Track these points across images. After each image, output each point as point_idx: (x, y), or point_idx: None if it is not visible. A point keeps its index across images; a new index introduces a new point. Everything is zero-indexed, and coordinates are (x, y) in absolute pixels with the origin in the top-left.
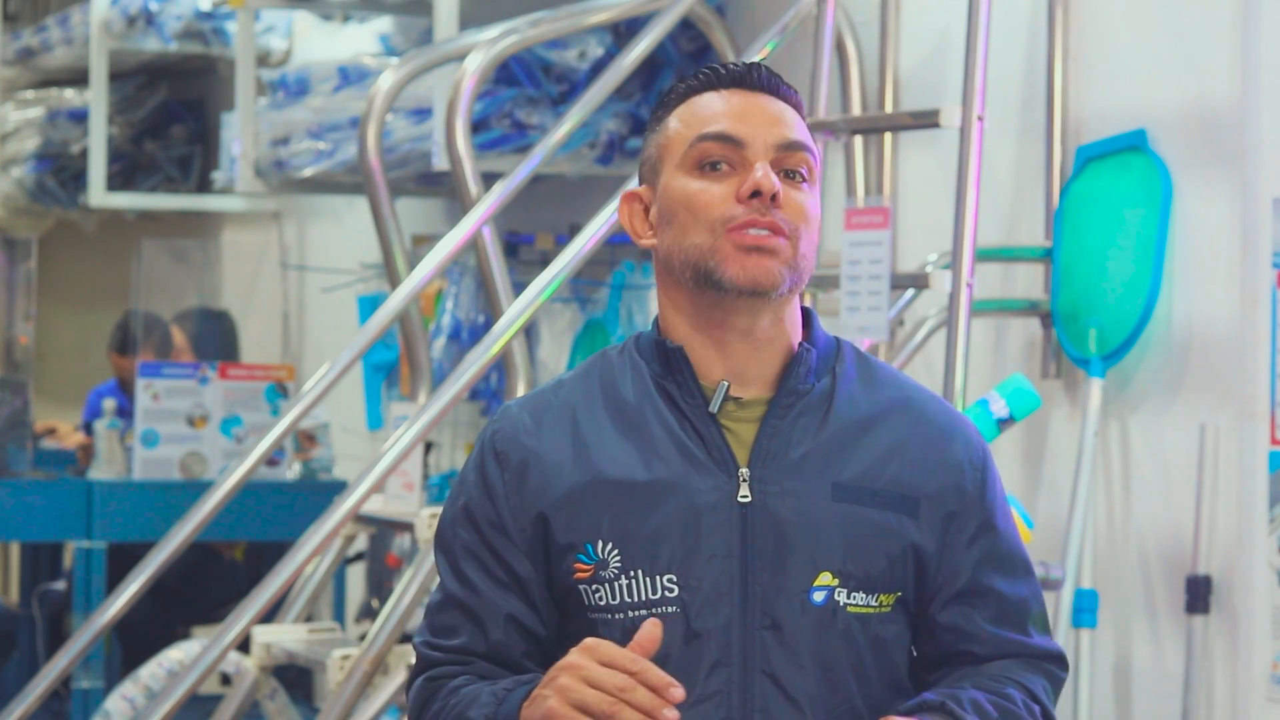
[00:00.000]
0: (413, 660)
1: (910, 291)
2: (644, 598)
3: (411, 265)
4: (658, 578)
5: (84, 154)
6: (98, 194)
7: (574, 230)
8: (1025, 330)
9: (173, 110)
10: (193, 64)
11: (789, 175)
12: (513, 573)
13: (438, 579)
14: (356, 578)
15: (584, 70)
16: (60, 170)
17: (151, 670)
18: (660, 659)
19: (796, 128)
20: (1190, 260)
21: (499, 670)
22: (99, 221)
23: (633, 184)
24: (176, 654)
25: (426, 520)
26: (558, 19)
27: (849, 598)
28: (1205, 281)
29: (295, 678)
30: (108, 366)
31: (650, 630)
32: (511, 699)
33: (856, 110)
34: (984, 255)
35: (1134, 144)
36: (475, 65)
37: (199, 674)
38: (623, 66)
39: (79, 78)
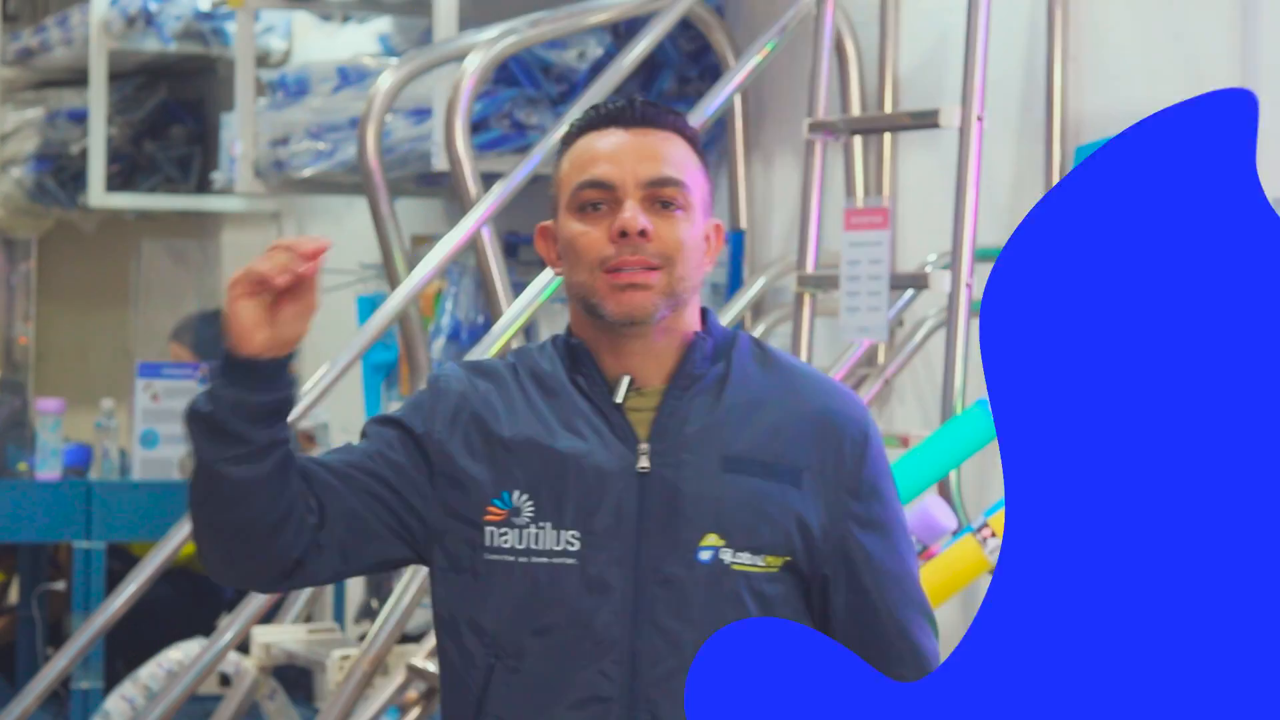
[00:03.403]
0: (414, 661)
1: (910, 292)
2: (548, 547)
3: (411, 265)
4: (563, 532)
5: (83, 154)
6: (97, 194)
7: None
8: None
9: (172, 110)
10: (192, 64)
11: (664, 205)
12: (392, 463)
13: None
14: (356, 578)
15: (583, 70)
16: (60, 170)
17: (151, 670)
18: (556, 606)
19: (668, 161)
20: None
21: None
22: (98, 222)
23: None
24: (176, 654)
25: None
26: (557, 19)
27: (735, 556)
28: None
29: (295, 678)
30: (107, 367)
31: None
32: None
33: (856, 110)
34: (983, 255)
35: None
36: (475, 65)
37: (198, 674)
38: (622, 67)
39: (78, 78)
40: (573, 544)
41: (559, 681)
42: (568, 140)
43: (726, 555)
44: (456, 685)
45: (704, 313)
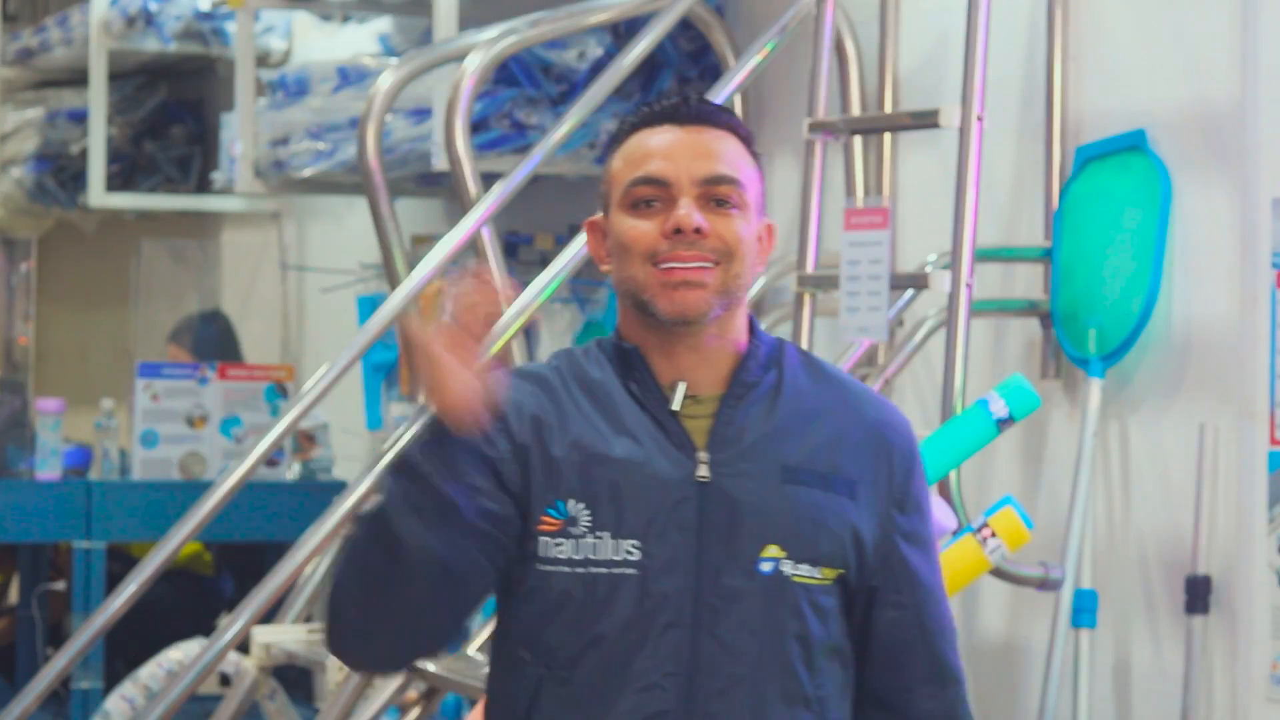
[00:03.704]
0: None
1: (910, 292)
2: (606, 557)
3: (411, 265)
4: (621, 541)
5: (83, 154)
6: (97, 194)
7: (573, 230)
8: (1025, 330)
9: (172, 110)
10: (192, 64)
11: (718, 203)
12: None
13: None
14: None
15: (583, 70)
16: (60, 170)
17: (151, 670)
18: (615, 617)
19: (723, 159)
20: (1190, 260)
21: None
22: (98, 222)
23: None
24: (176, 654)
25: None
26: (557, 19)
27: (795, 568)
28: (1204, 281)
29: (295, 678)
30: (107, 367)
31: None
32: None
33: (856, 110)
34: (983, 255)
35: (1133, 144)
36: (475, 65)
37: (198, 674)
38: (622, 67)
39: (78, 78)
40: (632, 553)
41: (612, 693)
42: (619, 137)
43: (787, 567)
44: (502, 697)
45: (750, 319)
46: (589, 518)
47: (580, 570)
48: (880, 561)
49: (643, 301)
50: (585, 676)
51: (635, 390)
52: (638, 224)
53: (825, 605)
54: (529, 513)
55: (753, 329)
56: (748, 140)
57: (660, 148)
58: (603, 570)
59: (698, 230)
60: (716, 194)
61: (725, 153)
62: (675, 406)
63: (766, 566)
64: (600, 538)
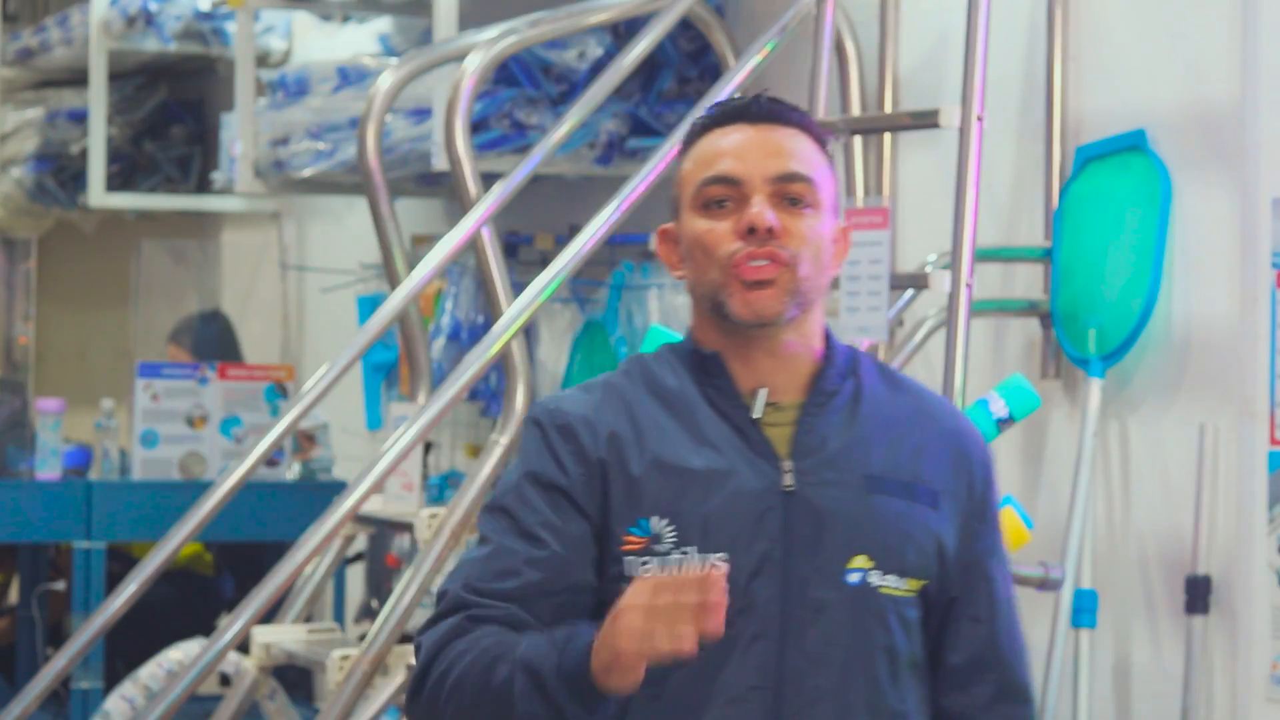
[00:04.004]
0: (413, 660)
1: (910, 292)
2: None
3: (411, 265)
4: (709, 556)
5: (83, 154)
6: (97, 194)
7: (573, 230)
8: (1025, 330)
9: (172, 110)
10: (192, 64)
11: (792, 202)
12: (576, 531)
13: (474, 543)
14: (356, 578)
15: (583, 70)
16: (60, 170)
17: (151, 670)
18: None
19: (796, 157)
20: (1190, 260)
21: (534, 621)
22: (98, 222)
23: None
24: (176, 654)
25: (426, 521)
26: (557, 19)
27: (882, 579)
28: (1205, 281)
29: (295, 678)
30: (107, 367)
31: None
32: (575, 644)
33: (856, 110)
34: (983, 255)
35: (1133, 144)
36: (475, 65)
37: (198, 674)
38: (622, 67)
39: (78, 78)
40: (719, 567)
41: (699, 707)
42: (690, 139)
43: (874, 578)
44: None
45: (824, 328)
46: (673, 534)
47: None
48: (960, 574)
49: (718, 304)
50: (673, 692)
51: (715, 398)
52: (711, 225)
53: (910, 617)
54: (608, 533)
55: (828, 336)
56: (821, 140)
57: (731, 147)
58: None
59: (770, 229)
60: (789, 192)
61: (798, 150)
62: (757, 414)
63: (854, 577)
64: (686, 553)
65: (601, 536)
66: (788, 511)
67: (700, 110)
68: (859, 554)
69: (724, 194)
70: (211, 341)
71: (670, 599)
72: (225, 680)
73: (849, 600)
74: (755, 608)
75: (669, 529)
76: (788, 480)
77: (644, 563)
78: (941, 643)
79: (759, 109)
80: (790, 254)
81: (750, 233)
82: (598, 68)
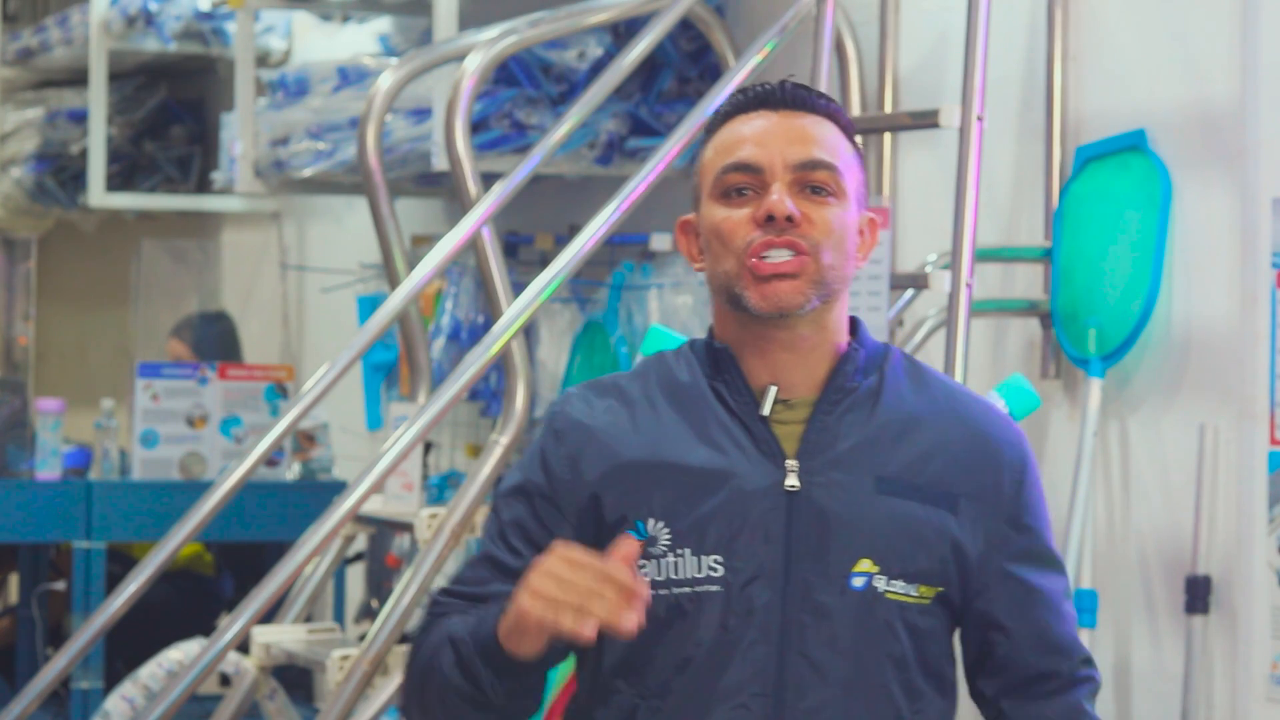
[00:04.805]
0: None
1: (910, 291)
2: (689, 575)
3: (411, 265)
4: (704, 558)
5: (83, 154)
6: (97, 194)
7: (573, 230)
8: (1025, 330)
9: (172, 110)
10: (192, 64)
11: (814, 190)
12: (553, 540)
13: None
14: (356, 578)
15: (583, 70)
16: (60, 170)
17: (151, 670)
18: (700, 635)
19: (819, 144)
20: (1190, 260)
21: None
22: (98, 222)
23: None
24: (176, 654)
25: (426, 520)
26: (557, 19)
27: (889, 584)
28: (1205, 281)
29: (295, 678)
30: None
31: (627, 546)
32: (489, 612)
33: (856, 110)
34: (983, 255)
35: (1133, 144)
36: (475, 65)
37: (198, 674)
38: (622, 66)
39: (78, 78)
40: (715, 569)
41: (704, 713)
42: (712, 127)
43: (880, 583)
44: None
45: (854, 322)
46: (669, 536)
47: (664, 592)
48: (990, 581)
49: (735, 295)
50: (676, 701)
51: (725, 393)
52: (730, 213)
53: (923, 626)
54: (607, 536)
55: (857, 331)
56: (848, 127)
57: (753, 134)
58: (686, 590)
59: (789, 218)
60: (812, 180)
61: (822, 137)
62: (765, 411)
63: (859, 582)
64: (681, 555)
65: (597, 539)
66: (791, 512)
67: (704, 109)
68: (864, 557)
69: (744, 181)
70: (214, 341)
71: (590, 580)
72: (225, 680)
73: (853, 605)
74: (754, 612)
75: (664, 531)
76: (791, 480)
77: (641, 566)
78: (979, 653)
79: (783, 95)
80: (811, 243)
81: (769, 221)
82: (598, 68)
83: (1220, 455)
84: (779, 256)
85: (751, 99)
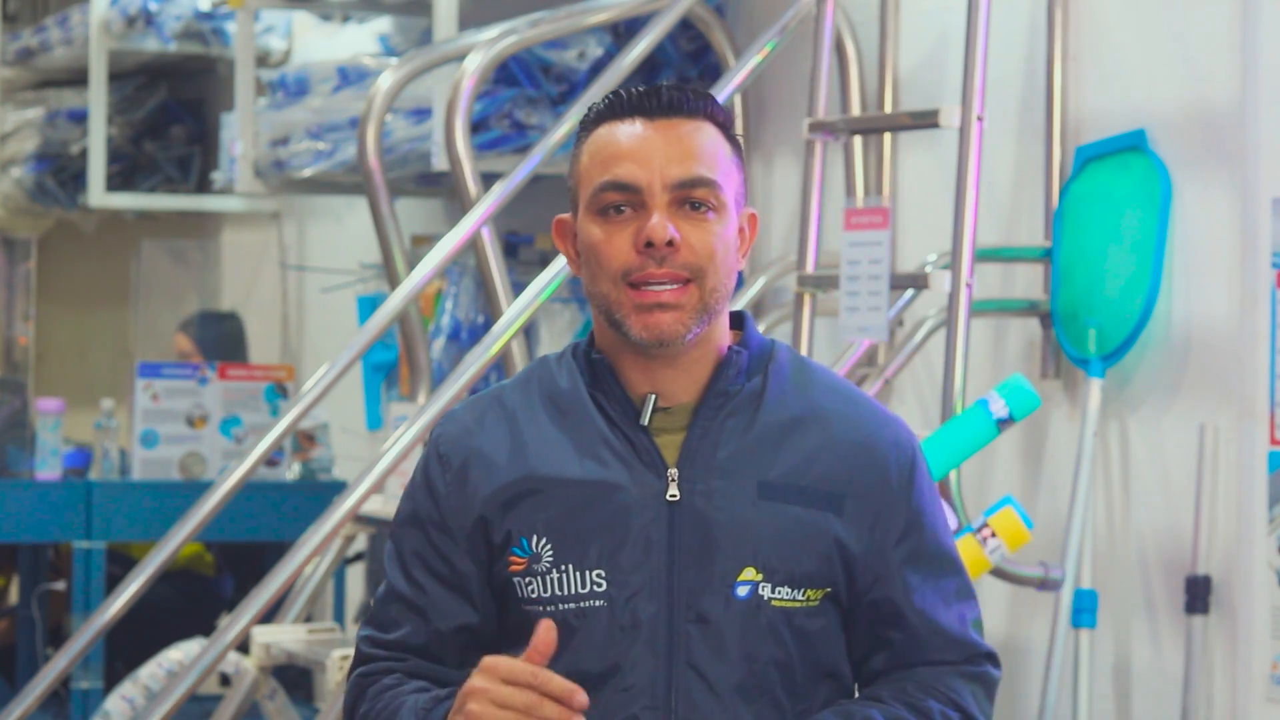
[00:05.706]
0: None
1: (910, 292)
2: (573, 591)
3: (411, 265)
4: (587, 572)
5: (83, 154)
6: (97, 194)
7: None
8: (1025, 330)
9: (172, 110)
10: (192, 64)
11: (694, 207)
12: (455, 571)
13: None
14: (356, 578)
15: (583, 70)
16: (60, 170)
17: (151, 670)
18: (587, 650)
19: (698, 157)
20: (1190, 260)
21: (432, 668)
22: (98, 222)
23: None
24: (176, 654)
25: None
26: (557, 19)
27: (774, 592)
28: (1205, 281)
29: (295, 678)
30: (107, 367)
31: (544, 634)
32: (433, 716)
33: (856, 110)
34: (983, 255)
35: (1133, 144)
36: (475, 65)
37: (198, 674)
38: (622, 66)
39: (78, 78)
40: (599, 583)
41: None
42: (586, 126)
43: (765, 590)
44: None
45: (742, 318)
46: (551, 552)
47: (550, 609)
48: (875, 579)
49: (615, 320)
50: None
51: (604, 403)
52: (607, 234)
53: (812, 628)
54: (496, 554)
55: (745, 327)
56: (726, 125)
57: (630, 147)
58: (571, 605)
59: (669, 243)
60: (692, 197)
61: (700, 149)
62: (644, 421)
63: (743, 591)
64: (564, 570)
65: (489, 560)
66: (673, 522)
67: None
68: (748, 565)
69: (621, 200)
70: (220, 340)
71: (527, 698)
72: (225, 680)
73: (739, 614)
74: (640, 625)
75: (546, 547)
76: (673, 490)
77: (528, 583)
78: (867, 650)
79: (659, 103)
80: (694, 269)
81: (648, 246)
82: (598, 68)
83: (1220, 455)
84: (660, 287)
85: (626, 103)
